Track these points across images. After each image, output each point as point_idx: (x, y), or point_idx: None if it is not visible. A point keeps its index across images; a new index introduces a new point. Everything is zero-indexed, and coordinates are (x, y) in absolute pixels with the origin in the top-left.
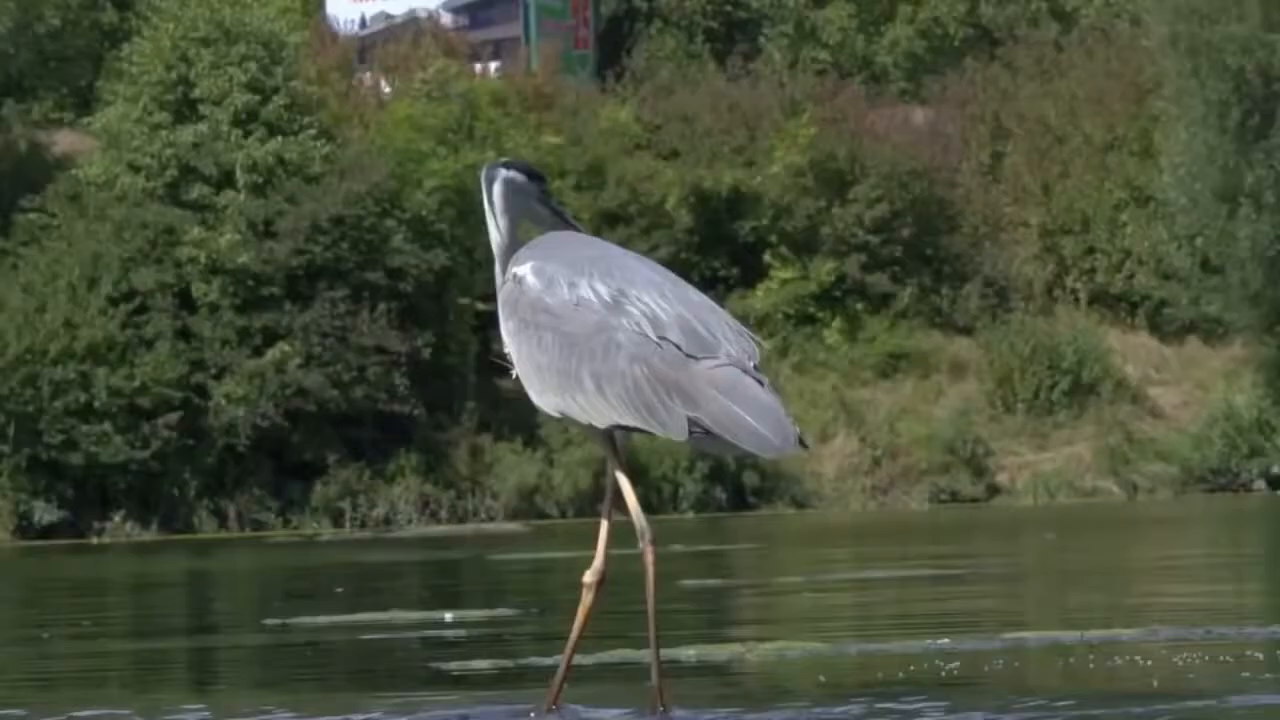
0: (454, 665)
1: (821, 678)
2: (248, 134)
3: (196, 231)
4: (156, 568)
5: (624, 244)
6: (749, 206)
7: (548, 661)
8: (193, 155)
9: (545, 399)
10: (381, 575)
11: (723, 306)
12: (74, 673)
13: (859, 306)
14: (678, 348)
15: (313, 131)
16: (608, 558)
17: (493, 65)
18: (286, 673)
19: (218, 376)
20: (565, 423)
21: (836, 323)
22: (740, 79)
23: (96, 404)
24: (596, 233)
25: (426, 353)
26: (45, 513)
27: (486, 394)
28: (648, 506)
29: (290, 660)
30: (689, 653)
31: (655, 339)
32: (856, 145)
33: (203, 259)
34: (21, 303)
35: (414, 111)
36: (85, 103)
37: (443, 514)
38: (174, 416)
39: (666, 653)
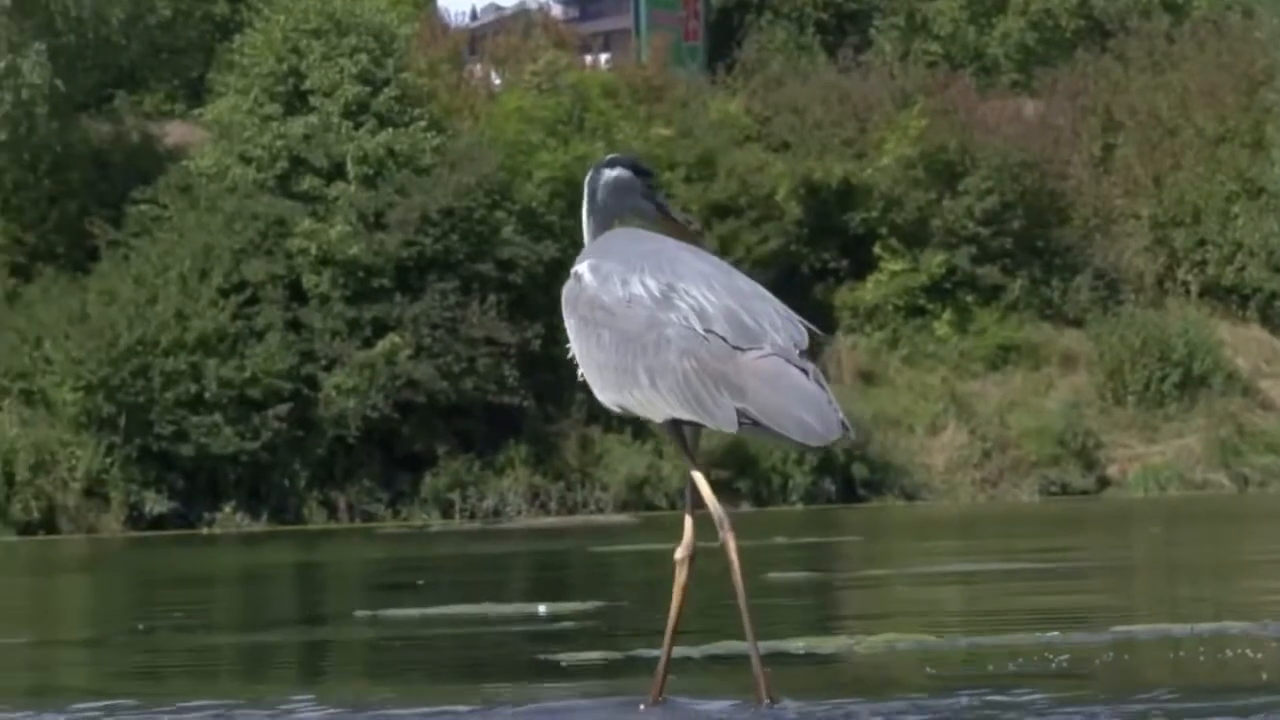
0: (563, 656)
1: (930, 670)
2: (358, 126)
3: (307, 223)
4: (265, 559)
5: (734, 236)
6: (859, 198)
7: (655, 653)
8: (303, 147)
9: (606, 395)
10: (484, 567)
11: (833, 298)
12: (183, 664)
13: (969, 299)
14: (724, 340)
15: (423, 123)
16: (695, 533)
17: (603, 57)
18: (394, 664)
19: (328, 368)
20: (626, 417)
21: (946, 315)
22: (851, 71)
23: (207, 395)
24: (707, 225)
25: (536, 344)
26: (156, 503)
27: None
28: (757, 499)
29: (397, 651)
30: (797, 644)
31: (702, 332)
32: (967, 137)
33: (313, 250)
34: (133, 294)
35: (524, 103)
36: (197, 94)
37: (552, 505)
38: (284, 408)
39: (775, 644)
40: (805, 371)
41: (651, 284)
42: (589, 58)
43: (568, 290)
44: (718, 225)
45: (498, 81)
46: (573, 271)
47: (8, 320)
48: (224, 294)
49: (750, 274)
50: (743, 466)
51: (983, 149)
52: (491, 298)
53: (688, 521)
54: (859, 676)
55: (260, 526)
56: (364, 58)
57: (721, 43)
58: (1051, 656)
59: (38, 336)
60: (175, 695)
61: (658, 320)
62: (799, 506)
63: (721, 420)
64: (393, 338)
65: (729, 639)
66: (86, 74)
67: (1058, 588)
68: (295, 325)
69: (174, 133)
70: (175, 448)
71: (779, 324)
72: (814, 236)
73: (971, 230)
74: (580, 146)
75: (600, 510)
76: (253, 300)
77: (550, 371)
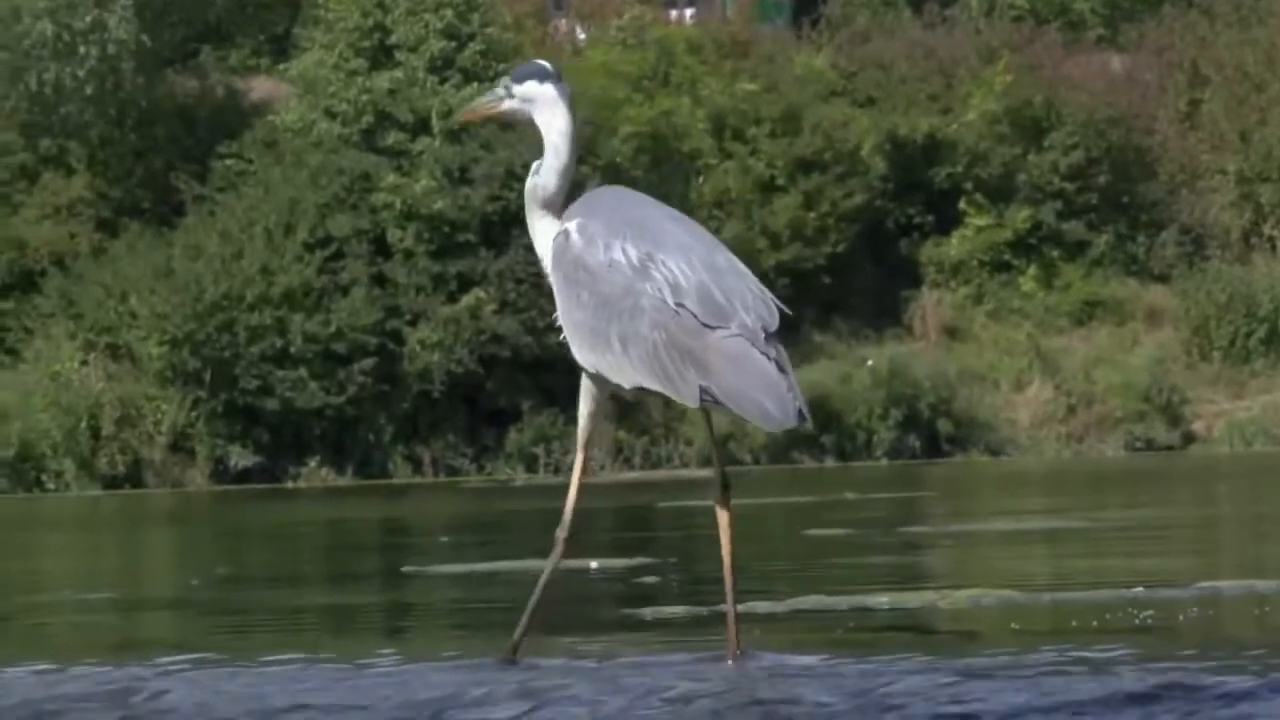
0: (648, 610)
1: (1015, 625)
2: (443, 80)
3: (392, 178)
4: (350, 513)
5: (819, 191)
6: (944, 154)
7: (740, 608)
8: (388, 102)
9: (582, 355)
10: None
11: (918, 254)
12: (266, 619)
13: (1054, 254)
14: (694, 315)
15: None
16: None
17: (688, 12)
18: (476, 618)
19: (413, 323)
20: (594, 381)
21: (1032, 270)
22: (936, 26)
23: (292, 350)
24: (791, 180)
25: None
26: (241, 458)
27: None
28: (841, 454)
29: (479, 605)
30: (882, 600)
31: (674, 306)
32: (1053, 92)
33: (398, 205)
34: (218, 249)
35: (609, 58)
36: (282, 49)
37: (636, 460)
38: (369, 362)
39: (860, 600)
40: (769, 355)
41: (632, 251)
42: (674, 12)
43: (556, 246)
44: (802, 180)
45: (583, 36)
46: (562, 229)
47: (94, 275)
48: (309, 249)
49: (836, 229)
50: (826, 422)
51: (1068, 104)
52: None
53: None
54: (943, 633)
55: (345, 481)
56: (449, 12)
57: None
58: (1136, 612)
59: (123, 291)
60: (260, 649)
61: (634, 288)
62: (883, 462)
63: (685, 395)
64: (477, 292)
65: (817, 593)
66: (173, 29)
67: (1143, 544)
68: (380, 280)
69: (259, 88)
70: (260, 402)
71: (750, 303)
72: (899, 192)
73: (1057, 186)
74: (665, 102)
75: (684, 465)
76: (338, 255)
77: None
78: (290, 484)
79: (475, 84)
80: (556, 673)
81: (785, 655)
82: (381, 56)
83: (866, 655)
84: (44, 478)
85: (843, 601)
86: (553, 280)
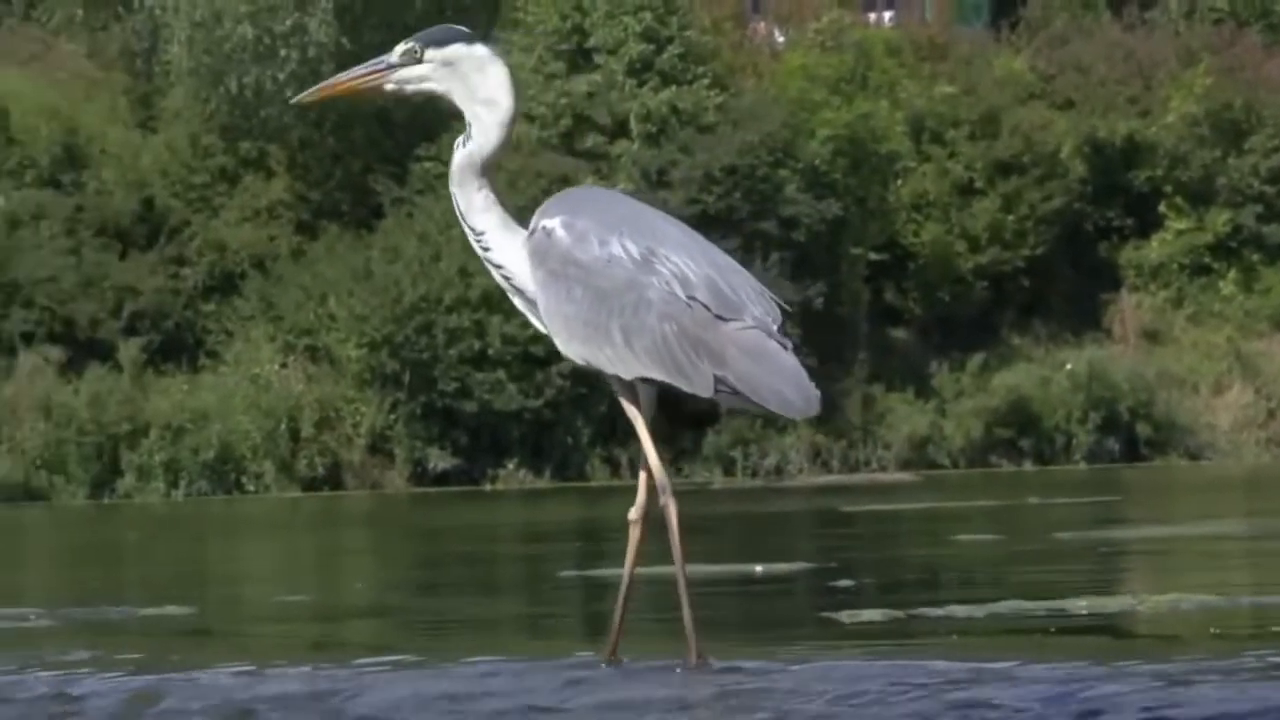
0: (844, 614)
1: (1215, 630)
2: (642, 84)
3: (591, 181)
4: (547, 515)
5: (1017, 194)
6: (1144, 156)
7: (938, 613)
8: (587, 105)
9: (571, 348)
10: (737, 526)
11: (1117, 257)
12: (464, 619)
13: (1255, 257)
14: (706, 308)
15: (706, 81)
16: (648, 495)
17: (887, 15)
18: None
19: None
20: (589, 372)
21: (1232, 274)
22: (1136, 28)
23: (491, 352)
24: (990, 183)
25: (819, 303)
26: (439, 460)
27: (878, 344)
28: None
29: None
30: (1080, 604)
31: (685, 298)
32: (1253, 95)
33: None
34: (417, 251)
35: (807, 61)
36: (501, 48)
37: (834, 463)
38: (567, 365)
39: (1057, 604)
40: (784, 346)
41: (632, 246)
42: (873, 15)
43: (535, 243)
44: (1001, 183)
45: (781, 39)
46: (540, 226)
47: (293, 277)
48: None
49: (1035, 232)
50: (1025, 425)
51: (1269, 107)
52: (774, 256)
53: (641, 481)
54: (1141, 637)
55: (543, 483)
56: (648, 15)
57: (1006, 0)
58: None
59: (323, 293)
60: (456, 651)
61: (638, 282)
62: (1081, 465)
63: (698, 385)
64: None
65: (1016, 598)
66: (372, 31)
67: None
68: None
69: None
70: (459, 404)
71: (754, 298)
72: (1098, 194)
73: (1257, 189)
74: (864, 104)
75: (882, 468)
76: None
77: (833, 330)
78: (488, 486)
79: (674, 87)
80: (754, 676)
81: (982, 660)
82: (580, 60)
83: (1065, 660)
84: (244, 480)
85: (1040, 606)
86: (534, 278)
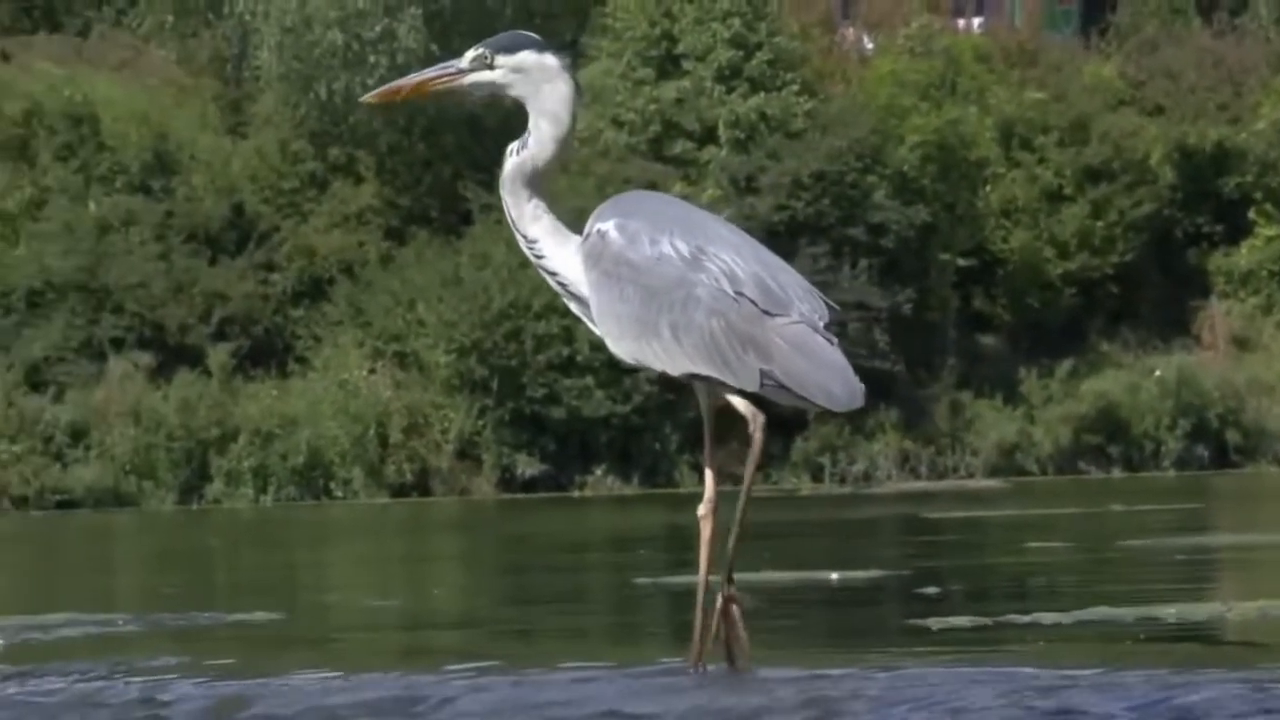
0: (931, 621)
1: None
2: (730, 90)
3: (679, 187)
4: (635, 521)
5: (1107, 201)
6: (1234, 163)
7: (1026, 619)
8: (675, 111)
9: (622, 345)
10: (825, 532)
11: (1207, 263)
12: (552, 626)
13: None
14: (753, 304)
15: (795, 87)
16: (717, 491)
17: (976, 21)
18: (761, 627)
19: None
20: (641, 369)
21: None
22: (1226, 34)
23: (579, 358)
24: (1079, 189)
25: (907, 309)
26: (527, 466)
27: (966, 350)
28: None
29: (761, 615)
30: (1169, 611)
31: (733, 294)
32: None
33: None
34: (505, 257)
35: (896, 67)
36: (569, 58)
37: (922, 470)
38: (655, 371)
39: (1146, 611)
40: (830, 342)
41: (682, 245)
42: (962, 21)
43: (590, 246)
44: (1090, 189)
45: (870, 45)
46: (594, 230)
47: (382, 283)
48: None
49: (1124, 238)
50: (1113, 432)
51: None
52: (863, 262)
53: (709, 479)
54: (1230, 644)
55: (631, 489)
56: (737, 22)
57: (1095, 6)
58: None
59: (411, 299)
60: (544, 657)
61: (687, 279)
62: (1170, 472)
63: (745, 380)
64: None
65: (1104, 604)
66: (461, 38)
67: None
68: None
69: None
70: (547, 411)
71: (801, 295)
72: (1187, 201)
73: None
74: (953, 110)
75: (970, 475)
76: None
77: (921, 336)
78: (576, 493)
79: (762, 93)
80: (841, 682)
81: (1071, 667)
82: (669, 66)
83: (1154, 667)
84: (332, 485)
85: (1128, 613)
86: (588, 279)
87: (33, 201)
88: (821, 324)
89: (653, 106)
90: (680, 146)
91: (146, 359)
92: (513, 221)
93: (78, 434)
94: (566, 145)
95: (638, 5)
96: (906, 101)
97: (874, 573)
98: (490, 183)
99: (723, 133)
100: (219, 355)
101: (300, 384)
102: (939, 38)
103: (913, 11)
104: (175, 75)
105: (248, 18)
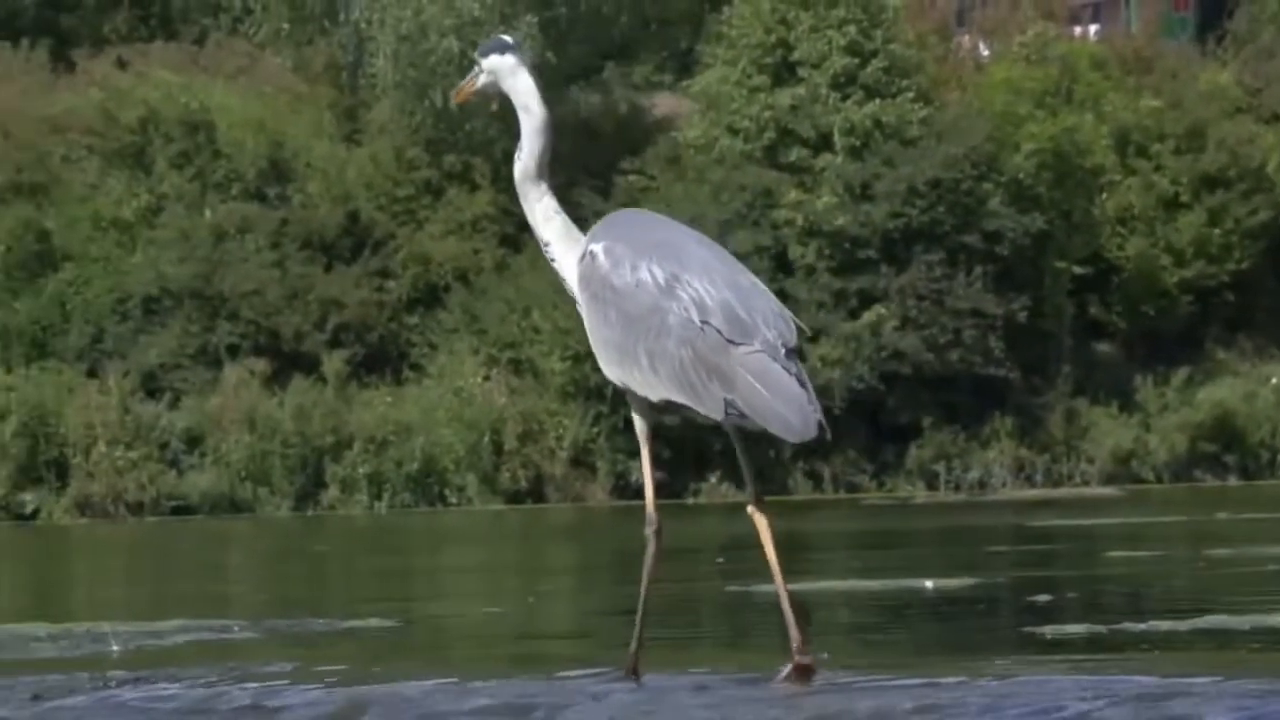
0: (1047, 629)
1: None
2: (846, 97)
3: (794, 194)
4: (749, 529)
5: (1223, 209)
6: None
7: (1141, 627)
8: (791, 118)
9: (610, 370)
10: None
11: None
12: (662, 634)
13: None
14: (719, 332)
15: (911, 94)
16: (658, 511)
17: (1092, 28)
18: (868, 635)
19: (813, 339)
20: (627, 395)
21: None
22: None
23: None
24: (1195, 197)
25: (1022, 316)
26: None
27: (1082, 357)
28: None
29: (870, 621)
30: (1244, 622)
31: (699, 324)
32: None
33: (800, 221)
34: None
35: (1012, 74)
36: (685, 66)
37: (1037, 478)
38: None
39: (1260, 620)
40: (790, 370)
41: (658, 271)
42: (1078, 29)
43: (583, 268)
44: (1207, 197)
45: (985, 52)
46: (587, 250)
47: (497, 290)
48: None
49: (1240, 246)
50: (1229, 440)
51: None
52: (978, 269)
53: (649, 494)
54: None
55: (745, 497)
56: (852, 29)
57: (1212, 13)
58: None
59: (526, 306)
60: (658, 665)
61: (660, 307)
62: None
63: (710, 408)
64: (878, 309)
65: (1221, 613)
66: (577, 46)
67: None
68: (781, 296)
69: (662, 104)
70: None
71: (771, 320)
72: None
73: None
74: (1069, 118)
75: (1086, 483)
76: None
77: (1036, 343)
78: (691, 500)
79: (878, 100)
80: (954, 690)
81: (1185, 675)
82: (784, 73)
83: (1268, 676)
84: (446, 492)
85: (1242, 621)
86: (580, 300)
87: (149, 209)
88: (788, 348)
89: (768, 113)
90: (795, 153)
91: (262, 366)
92: (532, 225)
93: (193, 441)
94: (546, 135)
95: (754, 12)
96: (1022, 109)
97: (968, 580)
98: (605, 189)
99: (838, 140)
100: (334, 362)
101: (415, 391)
102: (1055, 45)
103: (1028, 19)
104: (290, 83)
105: (363, 25)
